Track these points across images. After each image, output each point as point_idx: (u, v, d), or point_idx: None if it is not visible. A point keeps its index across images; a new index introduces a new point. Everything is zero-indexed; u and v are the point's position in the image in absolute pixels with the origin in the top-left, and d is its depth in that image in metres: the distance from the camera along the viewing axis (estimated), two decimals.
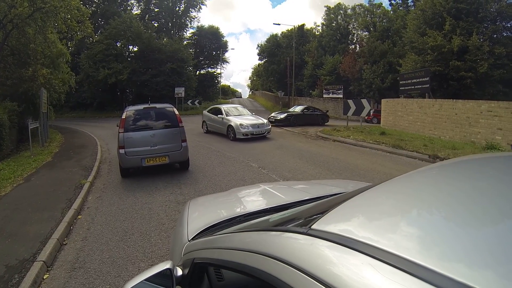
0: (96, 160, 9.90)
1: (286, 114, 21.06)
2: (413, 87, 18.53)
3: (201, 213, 2.05)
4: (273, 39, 49.42)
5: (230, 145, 12.64)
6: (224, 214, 1.85)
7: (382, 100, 21.49)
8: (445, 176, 1.04)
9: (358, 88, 35.08)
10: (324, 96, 36.05)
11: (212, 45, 48.70)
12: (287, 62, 40.38)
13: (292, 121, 20.19)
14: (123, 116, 7.68)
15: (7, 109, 13.60)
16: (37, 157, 10.44)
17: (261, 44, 51.66)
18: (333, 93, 35.48)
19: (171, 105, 8.47)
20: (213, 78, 51.04)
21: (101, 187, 7.29)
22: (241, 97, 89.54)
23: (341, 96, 34.93)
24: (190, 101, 36.14)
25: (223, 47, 49.87)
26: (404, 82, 19.30)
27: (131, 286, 1.09)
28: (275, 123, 19.79)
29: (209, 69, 50.16)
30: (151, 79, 35.55)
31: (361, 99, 16.81)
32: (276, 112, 23.30)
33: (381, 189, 0.99)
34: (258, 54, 51.78)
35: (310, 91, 39.26)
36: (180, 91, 34.45)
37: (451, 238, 0.61)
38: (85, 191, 6.68)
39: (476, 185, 0.89)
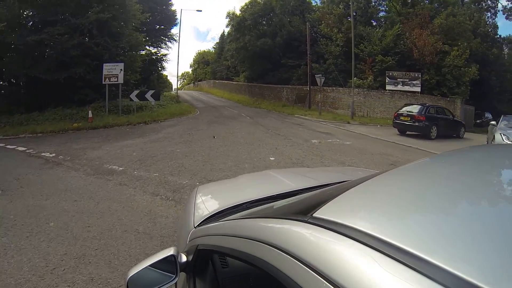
0: None
1: None
2: None
3: (207, 200, 2.01)
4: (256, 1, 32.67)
5: None
6: (230, 200, 1.78)
7: None
8: (460, 165, 1.02)
9: (437, 78, 21.38)
10: (388, 88, 21.44)
11: (156, 15, 29.40)
12: (307, 31, 24.64)
13: None
14: None
15: None
16: None
17: (233, 13, 34.59)
18: (404, 83, 21.16)
19: None
20: (157, 62, 31.56)
21: None
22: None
23: (418, 89, 20.91)
24: (135, 92, 17.76)
25: (171, 18, 31.24)
26: None
27: (135, 272, 1.10)
28: None
29: (151, 49, 29.80)
30: (55, 41, 15.33)
31: None
32: None
33: (387, 177, 0.97)
34: (231, 26, 34.57)
35: (353, 78, 23.70)
36: (114, 71, 16.38)
37: (461, 233, 0.58)
38: None
39: (492, 177, 0.87)
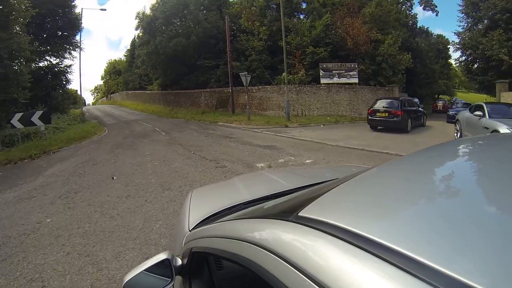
0: None
1: None
2: None
3: (203, 203, 1.95)
4: None
5: None
6: (225, 202, 1.74)
7: None
8: (445, 159, 1.02)
9: (373, 67, 19.93)
10: (323, 81, 19.26)
11: (57, 20, 22.76)
12: (226, 24, 21.41)
13: None
14: None
15: None
16: None
17: (143, 13, 29.88)
18: (340, 75, 19.12)
19: None
20: (60, 75, 25.13)
21: None
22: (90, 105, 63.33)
23: (356, 80, 19.13)
24: (17, 116, 12.77)
25: (75, 23, 25.05)
26: None
27: (131, 277, 1.09)
28: None
29: (52, 60, 23.43)
30: None
31: None
32: None
33: (373, 174, 0.98)
34: (141, 28, 29.82)
35: (285, 73, 20.67)
36: None
37: (446, 230, 0.56)
38: None
39: (484, 169, 0.87)
